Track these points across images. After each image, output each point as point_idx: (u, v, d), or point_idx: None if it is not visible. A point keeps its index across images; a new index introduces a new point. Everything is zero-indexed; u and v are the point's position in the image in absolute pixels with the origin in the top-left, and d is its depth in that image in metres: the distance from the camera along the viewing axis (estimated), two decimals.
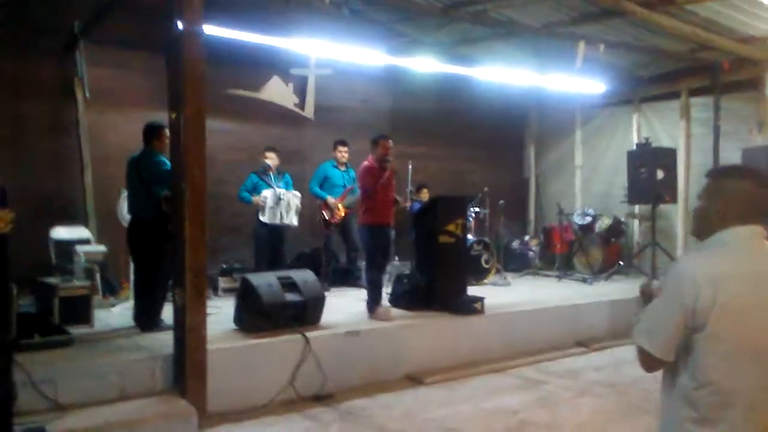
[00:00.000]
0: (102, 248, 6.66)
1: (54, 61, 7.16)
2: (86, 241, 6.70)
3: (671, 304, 1.91)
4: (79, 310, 5.59)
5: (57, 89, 7.19)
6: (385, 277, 8.30)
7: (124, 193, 6.73)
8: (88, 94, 7.28)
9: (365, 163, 6.58)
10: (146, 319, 5.61)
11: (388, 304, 6.66)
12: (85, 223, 7.14)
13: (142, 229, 5.63)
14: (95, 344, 5.10)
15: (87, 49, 7.23)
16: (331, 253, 8.11)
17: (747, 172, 2.05)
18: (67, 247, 6.54)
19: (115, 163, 7.38)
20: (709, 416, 1.87)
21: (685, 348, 1.91)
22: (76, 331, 5.25)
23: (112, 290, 7.04)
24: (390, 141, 6.58)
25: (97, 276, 6.79)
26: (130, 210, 5.86)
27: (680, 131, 9.49)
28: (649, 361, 1.97)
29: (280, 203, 7.34)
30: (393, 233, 6.84)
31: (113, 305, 6.64)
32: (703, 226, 2.05)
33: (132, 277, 6.65)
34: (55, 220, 6.76)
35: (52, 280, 5.82)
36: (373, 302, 6.41)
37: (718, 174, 2.09)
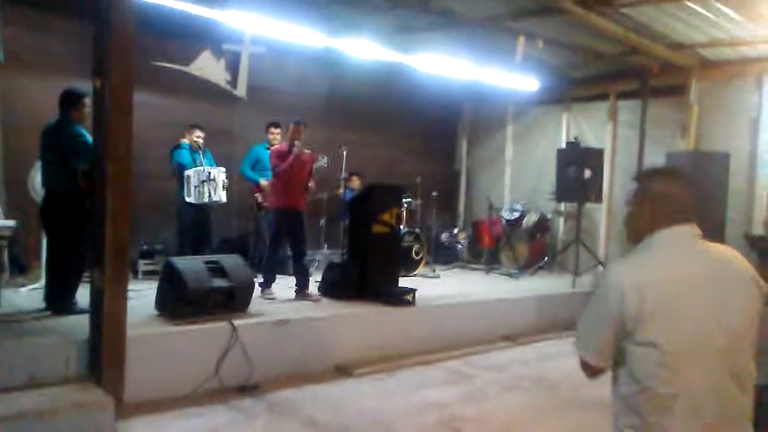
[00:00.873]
0: (10, 223, 6.14)
1: None
2: None
3: (601, 313, 1.92)
4: None
5: None
6: (313, 263, 8.20)
7: (38, 165, 6.27)
8: (2, 57, 6.69)
9: (276, 145, 6.90)
10: (59, 301, 5.23)
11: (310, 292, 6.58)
12: None
13: (57, 204, 5.23)
14: (2, 327, 4.70)
15: (2, 5, 6.64)
16: (261, 237, 7.85)
17: (671, 174, 2.05)
18: None
19: (28, 133, 6.83)
20: (650, 422, 1.86)
21: (621, 355, 1.91)
22: None
23: (21, 269, 6.58)
24: (302, 126, 6.61)
25: (5, 253, 6.30)
26: (44, 184, 5.41)
27: (607, 133, 9.75)
28: (587, 369, 2.00)
29: (208, 181, 7.02)
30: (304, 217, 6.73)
31: (22, 285, 6.18)
32: (634, 230, 2.05)
33: (44, 255, 6.23)
34: None
35: None
36: (266, 284, 6.48)
37: (644, 177, 2.10)
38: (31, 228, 6.55)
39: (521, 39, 7.27)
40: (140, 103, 7.11)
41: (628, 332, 1.85)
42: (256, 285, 6.29)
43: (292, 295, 6.52)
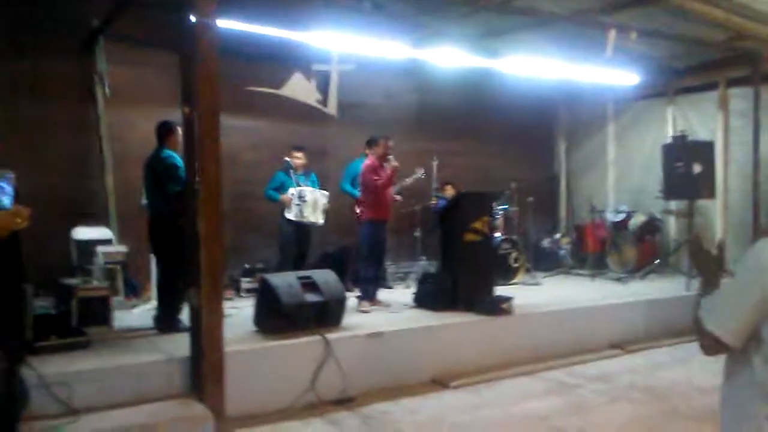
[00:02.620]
0: (122, 248, 6.59)
1: (73, 59, 7.08)
2: (107, 242, 6.63)
3: (747, 289, 1.77)
4: (98, 311, 5.52)
5: (76, 88, 7.12)
6: (410, 276, 8.19)
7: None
8: (108, 92, 7.20)
9: (367, 161, 6.87)
10: (165, 320, 5.52)
11: (375, 300, 6.66)
12: (106, 223, 7.06)
13: (158, 226, 5.64)
14: (113, 346, 5.01)
15: (106, 46, 7.16)
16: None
17: None
18: (88, 247, 6.47)
19: (135, 163, 7.28)
20: None
21: (757, 338, 1.76)
22: (94, 332, 5.16)
23: (134, 291, 6.96)
24: (390, 140, 6.73)
25: (119, 277, 6.73)
26: (148, 208, 5.89)
27: (718, 124, 9.11)
28: (714, 347, 1.84)
29: (304, 201, 7.20)
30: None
31: (134, 306, 6.56)
32: None
33: (154, 277, 6.59)
34: (76, 221, 6.69)
35: (72, 280, 5.75)
36: (365, 296, 6.54)
37: None
38: (142, 252, 6.95)
39: (611, 32, 6.93)
40: (237, 127, 7.54)
41: None
42: (356, 299, 6.45)
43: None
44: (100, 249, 6.31)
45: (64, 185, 6.98)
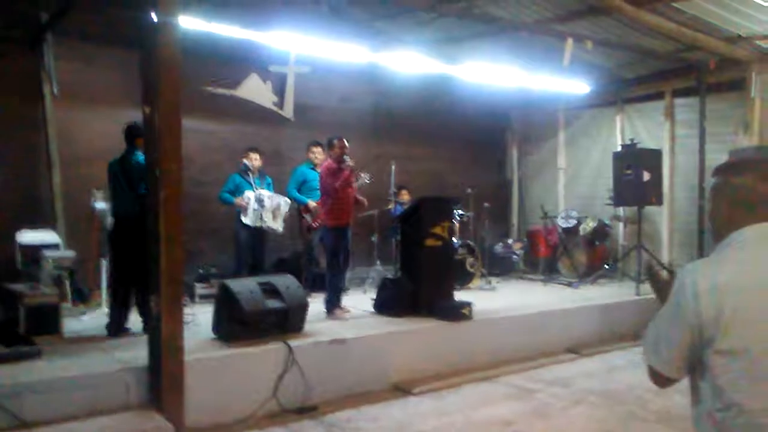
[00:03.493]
0: (71, 253, 6.31)
1: (19, 54, 6.77)
2: (54, 246, 6.33)
3: (675, 318, 1.74)
4: (47, 319, 5.29)
5: (23, 84, 6.80)
6: (366, 281, 8.14)
7: (98, 194, 6.48)
8: (56, 90, 6.91)
9: (324, 164, 6.71)
10: (115, 323, 5.46)
11: (343, 306, 6.54)
12: (53, 226, 6.76)
13: (124, 227, 5.56)
14: (64, 355, 4.77)
15: (55, 42, 6.87)
16: (313, 258, 7.83)
17: (748, 166, 1.87)
18: (33, 252, 6.17)
19: (84, 163, 7.07)
20: None
21: (701, 364, 1.72)
22: (43, 341, 4.92)
23: (82, 297, 6.70)
24: (345, 140, 6.57)
25: (67, 283, 6.46)
26: (113, 212, 5.82)
27: (665, 132, 9.40)
28: (657, 378, 1.81)
29: (263, 205, 7.07)
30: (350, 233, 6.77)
31: (83, 313, 6.31)
32: (715, 229, 1.88)
33: (104, 282, 6.37)
34: (21, 223, 6.38)
35: (18, 287, 5.47)
36: (332, 304, 6.43)
37: (719, 171, 1.91)
38: (90, 257, 6.69)
39: (569, 41, 7.08)
40: (191, 128, 7.28)
41: (707, 340, 1.67)
42: (324, 309, 6.37)
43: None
44: (47, 254, 6.02)
45: (9, 186, 6.65)
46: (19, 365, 4.45)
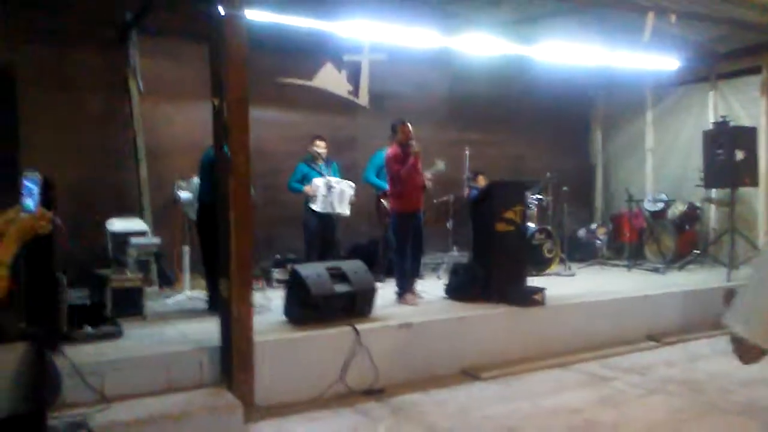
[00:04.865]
0: (156, 240, 6.68)
1: (107, 52, 7.19)
2: (141, 233, 6.71)
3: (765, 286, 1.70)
4: (131, 301, 5.60)
5: (110, 81, 7.22)
6: (441, 266, 8.12)
7: (181, 184, 6.80)
8: (141, 86, 7.29)
9: (388, 150, 6.59)
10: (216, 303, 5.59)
11: (418, 291, 6.52)
12: (140, 215, 7.16)
13: (209, 215, 5.55)
14: (145, 336, 5.06)
15: (139, 40, 7.24)
16: (390, 244, 7.87)
17: None
18: (122, 239, 6.56)
19: (169, 155, 7.44)
20: None
21: None
22: (127, 322, 5.24)
23: (167, 282, 7.06)
24: (409, 125, 6.46)
25: (152, 267, 6.83)
26: (199, 199, 6.12)
27: (761, 109, 8.79)
28: (747, 351, 1.75)
29: (332, 191, 7.16)
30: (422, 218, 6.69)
31: (168, 297, 6.64)
32: None
33: (187, 268, 6.68)
34: (111, 213, 6.79)
35: (105, 271, 5.84)
36: (402, 289, 6.39)
37: None
38: (175, 244, 7.04)
39: (650, 15, 6.73)
40: (267, 119, 7.55)
41: None
42: (395, 294, 6.40)
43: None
44: (135, 240, 6.39)
45: (99, 178, 7.10)
46: (103, 344, 4.75)
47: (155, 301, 6.31)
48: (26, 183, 2.58)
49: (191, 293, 6.58)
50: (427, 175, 6.88)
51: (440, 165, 7.12)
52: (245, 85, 4.70)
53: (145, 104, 7.34)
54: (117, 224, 6.67)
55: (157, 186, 7.36)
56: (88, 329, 4.86)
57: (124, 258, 6.35)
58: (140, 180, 7.29)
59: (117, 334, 4.95)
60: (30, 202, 2.52)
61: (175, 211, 7.14)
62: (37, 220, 2.50)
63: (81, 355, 4.38)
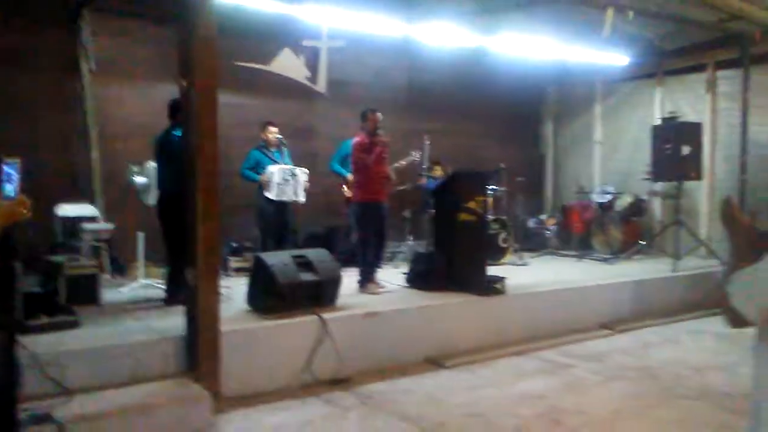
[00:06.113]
0: (109, 226, 6.44)
1: (57, 31, 6.85)
2: (93, 219, 6.45)
3: None
4: (86, 289, 5.42)
5: (60, 61, 6.88)
6: (398, 255, 8.14)
7: (134, 169, 6.54)
8: (93, 66, 6.99)
9: (356, 138, 6.55)
10: (173, 296, 5.45)
11: (380, 280, 6.52)
12: (91, 200, 6.88)
13: (171, 203, 5.42)
14: (103, 325, 4.89)
15: (91, 19, 6.92)
16: (349, 232, 7.81)
17: None
18: (73, 224, 6.30)
19: (121, 138, 7.17)
20: None
21: None
22: (82, 311, 5.03)
23: (119, 269, 6.83)
24: (379, 114, 6.44)
25: (105, 255, 6.59)
26: (159, 186, 5.84)
27: (706, 105, 9.16)
28: (740, 322, 1.77)
29: (286, 179, 6.99)
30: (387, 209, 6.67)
31: (120, 285, 6.42)
32: None
33: (141, 255, 6.46)
34: (60, 197, 6.50)
35: (58, 258, 5.59)
36: (365, 278, 6.40)
37: None
38: (127, 230, 6.80)
39: (610, 11, 6.89)
40: (223, 103, 7.23)
41: None
42: (357, 283, 6.37)
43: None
44: (87, 226, 6.14)
45: (49, 161, 6.77)
46: (61, 334, 4.56)
47: (109, 289, 6.08)
48: (5, 168, 2.44)
49: (146, 281, 6.38)
50: (402, 162, 6.83)
51: (414, 155, 7.11)
52: (215, 67, 4.60)
53: (97, 85, 7.04)
54: (67, 209, 6.40)
55: (108, 170, 7.08)
56: (44, 318, 4.64)
57: (75, 244, 6.10)
58: (91, 163, 7.00)
59: (75, 324, 4.75)
60: (10, 188, 2.39)
61: (128, 196, 6.89)
62: (17, 206, 2.37)
63: (38, 345, 4.19)
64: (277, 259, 5.36)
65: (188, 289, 4.60)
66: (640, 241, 9.25)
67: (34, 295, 5.05)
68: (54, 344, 4.31)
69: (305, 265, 5.44)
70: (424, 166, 8.50)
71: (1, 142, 5.49)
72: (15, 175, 2.42)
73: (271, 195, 7.04)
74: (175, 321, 4.75)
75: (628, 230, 9.35)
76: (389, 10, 7.36)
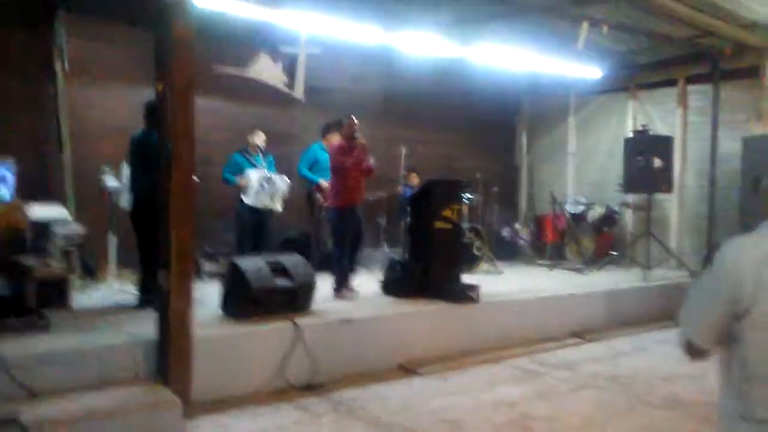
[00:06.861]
0: (80, 228, 6.33)
1: (31, 31, 6.75)
2: (63, 221, 6.34)
3: (714, 289, 1.78)
4: (56, 292, 5.30)
5: (34, 61, 6.78)
6: (374, 263, 8.14)
7: (107, 170, 6.47)
8: (67, 67, 6.90)
9: (335, 142, 6.69)
10: (151, 296, 5.34)
11: (354, 286, 6.52)
12: (62, 202, 6.77)
13: (145, 207, 5.41)
14: (73, 328, 4.80)
15: (66, 19, 6.84)
16: (322, 238, 7.82)
17: None
18: (43, 226, 6.18)
19: (94, 140, 7.08)
20: (756, 412, 1.71)
21: (733, 337, 1.76)
22: (52, 314, 4.95)
23: (90, 272, 6.72)
24: (354, 118, 6.52)
25: (75, 257, 6.48)
26: (132, 189, 5.76)
27: (677, 119, 9.35)
28: (689, 349, 1.86)
29: (265, 187, 7.00)
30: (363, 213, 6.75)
31: (92, 289, 6.33)
32: (764, 207, 1.92)
33: (113, 258, 6.39)
34: (30, 199, 6.37)
35: (27, 260, 5.48)
36: (340, 284, 6.41)
37: None
38: (98, 232, 6.70)
39: (585, 25, 7.01)
40: (201, 108, 7.21)
41: (740, 311, 1.71)
42: (331, 288, 6.37)
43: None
44: (60, 229, 6.03)
45: (20, 162, 6.63)
46: (29, 337, 4.48)
47: (80, 292, 5.99)
48: None
49: (118, 285, 6.30)
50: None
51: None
52: (192, 71, 4.55)
53: (71, 86, 6.94)
54: (37, 211, 6.27)
55: (80, 172, 6.98)
56: (14, 321, 4.55)
57: (45, 246, 5.98)
58: (63, 164, 6.90)
59: (44, 327, 4.67)
60: (4, 191, 2.33)
61: (100, 199, 6.80)
62: (13, 213, 2.29)
63: (6, 348, 4.11)
64: (252, 264, 5.33)
65: (160, 294, 4.55)
66: (612, 252, 9.38)
67: (3, 298, 4.98)
68: (22, 347, 4.23)
69: (280, 270, 5.42)
70: (401, 174, 8.54)
71: None
72: (9, 176, 2.35)
73: (248, 200, 7.03)
74: (146, 325, 4.68)
75: (600, 241, 9.49)
76: (367, 18, 7.39)
